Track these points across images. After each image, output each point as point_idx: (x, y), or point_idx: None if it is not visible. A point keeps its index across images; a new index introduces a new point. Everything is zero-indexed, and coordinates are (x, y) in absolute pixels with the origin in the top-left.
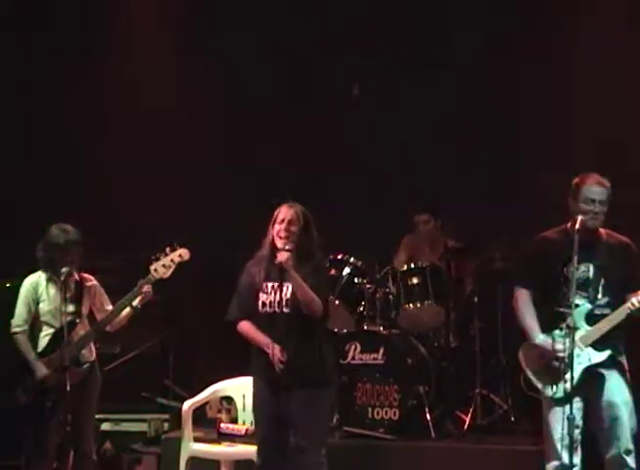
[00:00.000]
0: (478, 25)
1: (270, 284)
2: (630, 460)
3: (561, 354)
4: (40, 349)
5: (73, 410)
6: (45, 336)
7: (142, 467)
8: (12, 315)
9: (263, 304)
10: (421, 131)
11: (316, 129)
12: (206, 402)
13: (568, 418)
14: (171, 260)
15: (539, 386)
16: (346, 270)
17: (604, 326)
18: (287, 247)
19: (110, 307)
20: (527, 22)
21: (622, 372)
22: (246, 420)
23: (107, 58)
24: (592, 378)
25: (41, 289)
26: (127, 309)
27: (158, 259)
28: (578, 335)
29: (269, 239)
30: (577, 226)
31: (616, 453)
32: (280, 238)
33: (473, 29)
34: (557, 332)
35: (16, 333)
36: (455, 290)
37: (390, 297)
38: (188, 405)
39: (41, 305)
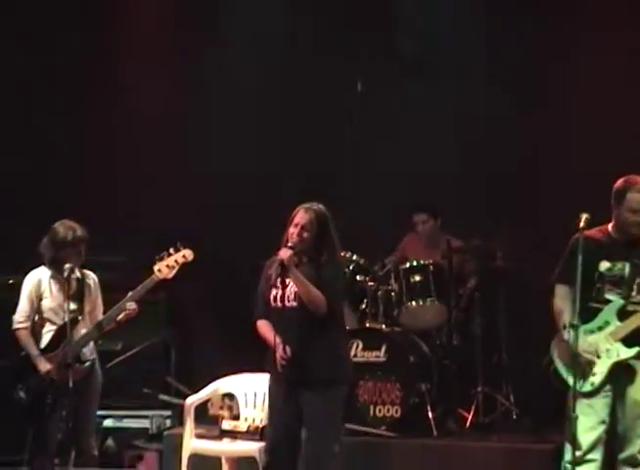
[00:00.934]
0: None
1: (280, 280)
2: None
3: (587, 355)
4: (43, 345)
5: (75, 407)
6: (47, 333)
7: (144, 464)
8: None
9: (274, 298)
10: (424, 129)
11: (319, 128)
12: (208, 399)
13: (572, 417)
14: (175, 261)
15: (568, 378)
16: (349, 268)
17: (634, 322)
18: (289, 244)
19: (101, 307)
20: (533, 21)
21: None
22: (248, 417)
23: (107, 58)
24: (621, 373)
25: (44, 285)
26: (121, 315)
27: (162, 260)
28: (608, 330)
29: (285, 239)
30: (582, 224)
31: (631, 452)
32: (292, 240)
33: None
34: (585, 329)
35: (18, 329)
36: (457, 288)
37: (393, 294)
38: (190, 402)
39: (44, 302)
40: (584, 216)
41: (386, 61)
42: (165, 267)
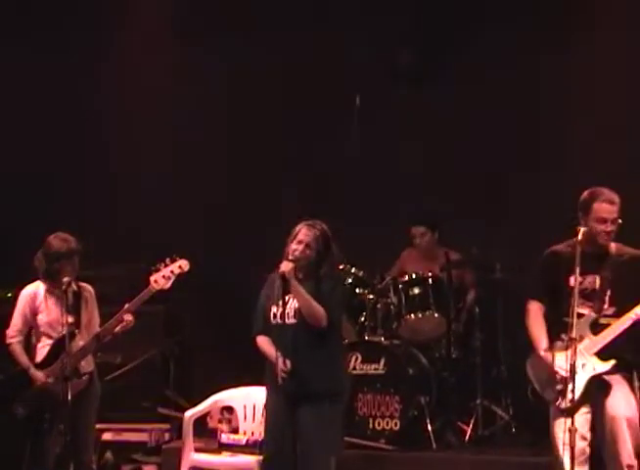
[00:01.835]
0: (478, 36)
1: (281, 297)
2: None
3: (561, 372)
4: (39, 360)
5: (73, 421)
6: (43, 347)
7: None
8: None
9: (274, 315)
10: (421, 143)
11: (317, 142)
12: (207, 413)
13: (569, 430)
14: (171, 271)
15: (547, 397)
16: (348, 281)
17: (608, 335)
18: (290, 257)
19: (97, 318)
20: (530, 33)
21: (629, 383)
22: (247, 430)
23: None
24: (597, 388)
25: (40, 300)
26: (117, 327)
27: (158, 270)
28: (583, 345)
29: (285, 253)
30: (579, 237)
31: (618, 467)
32: (292, 253)
33: (474, 41)
34: (558, 345)
35: (10, 343)
36: (456, 300)
37: (392, 307)
38: (189, 415)
39: (40, 317)
40: (582, 230)
41: (384, 72)
42: (162, 278)
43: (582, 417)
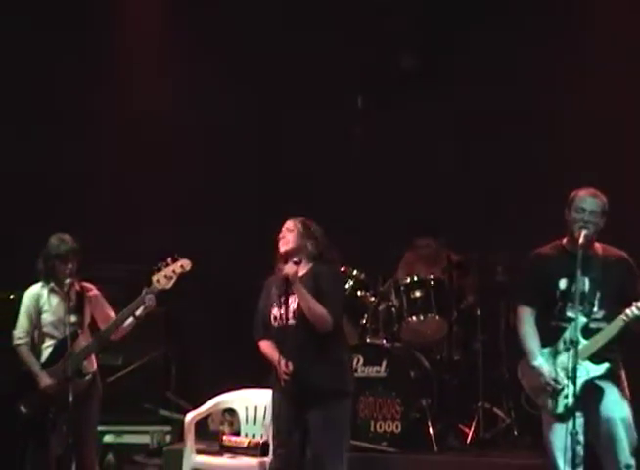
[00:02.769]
0: (479, 36)
1: (281, 298)
2: None
3: (557, 385)
4: (43, 360)
5: (75, 422)
6: (47, 347)
7: None
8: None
9: (275, 318)
10: (423, 146)
11: (320, 143)
12: (209, 415)
13: (570, 433)
14: (173, 271)
15: (540, 403)
16: (349, 283)
17: (600, 339)
18: (295, 259)
19: (112, 315)
20: (533, 33)
21: (621, 386)
22: (248, 432)
23: (112, 58)
24: (590, 392)
25: (43, 300)
26: (130, 319)
27: (159, 270)
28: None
29: (279, 254)
30: (581, 240)
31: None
32: (281, 246)
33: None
34: (560, 357)
35: (18, 345)
36: (458, 303)
37: (393, 310)
38: (190, 417)
39: (43, 317)
40: (584, 232)
41: (386, 76)
42: (164, 278)
43: (576, 421)
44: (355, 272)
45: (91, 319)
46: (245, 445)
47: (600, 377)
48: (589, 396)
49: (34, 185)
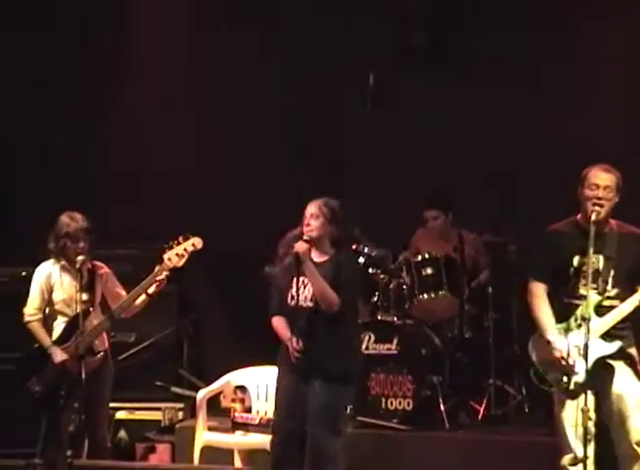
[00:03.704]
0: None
1: (296, 279)
2: None
3: (571, 360)
4: (54, 338)
5: (87, 399)
6: (58, 325)
7: (156, 456)
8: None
9: (292, 297)
10: (436, 124)
11: (332, 123)
12: (220, 392)
13: (582, 410)
14: (184, 249)
15: (550, 378)
16: (360, 261)
17: (614, 317)
18: (305, 237)
19: (124, 293)
20: (549, 17)
21: (632, 364)
22: (259, 409)
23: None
24: (602, 370)
25: (55, 278)
26: (142, 297)
27: (171, 248)
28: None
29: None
30: (593, 217)
31: (627, 445)
32: (305, 234)
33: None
34: (572, 334)
35: (29, 322)
36: (469, 280)
37: (404, 287)
38: (202, 395)
39: (55, 294)
40: (596, 209)
41: (399, 52)
42: (175, 256)
43: (587, 398)
44: (367, 249)
45: (102, 297)
46: (256, 422)
47: (611, 355)
48: (600, 373)
49: (49, 163)
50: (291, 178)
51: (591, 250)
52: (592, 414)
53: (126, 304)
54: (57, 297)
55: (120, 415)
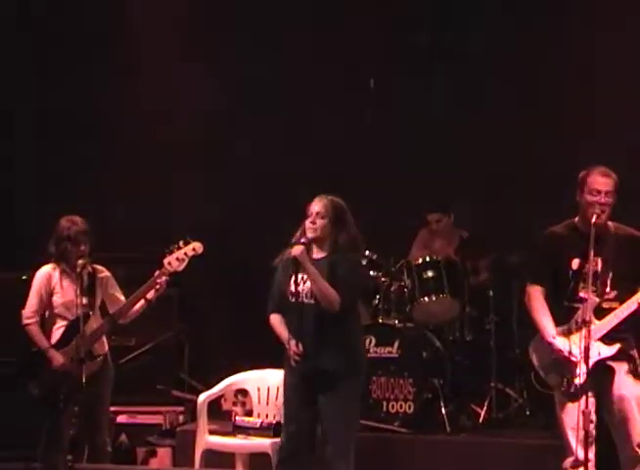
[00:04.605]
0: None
1: (295, 277)
2: None
3: (574, 358)
4: (54, 341)
5: (88, 403)
6: (58, 329)
7: (157, 459)
8: None
9: (292, 294)
10: (436, 124)
11: (333, 127)
12: (222, 395)
13: (583, 412)
14: (185, 254)
15: (551, 382)
16: (362, 263)
17: (613, 319)
18: (302, 240)
19: (122, 298)
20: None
21: (633, 366)
22: (261, 413)
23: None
24: (602, 372)
25: (55, 281)
26: (141, 302)
27: (171, 253)
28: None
29: (301, 230)
30: (593, 220)
31: (629, 448)
32: (308, 231)
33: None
34: (573, 337)
35: (27, 324)
36: (470, 283)
37: (406, 290)
38: (203, 398)
39: (55, 298)
40: (597, 213)
41: (399, 57)
42: (175, 260)
43: (588, 401)
44: (367, 252)
45: (101, 301)
46: (257, 425)
47: (612, 357)
48: (601, 375)
49: (52, 167)
50: (290, 180)
51: (592, 252)
52: (593, 416)
53: (125, 308)
54: (57, 300)
55: (121, 419)
